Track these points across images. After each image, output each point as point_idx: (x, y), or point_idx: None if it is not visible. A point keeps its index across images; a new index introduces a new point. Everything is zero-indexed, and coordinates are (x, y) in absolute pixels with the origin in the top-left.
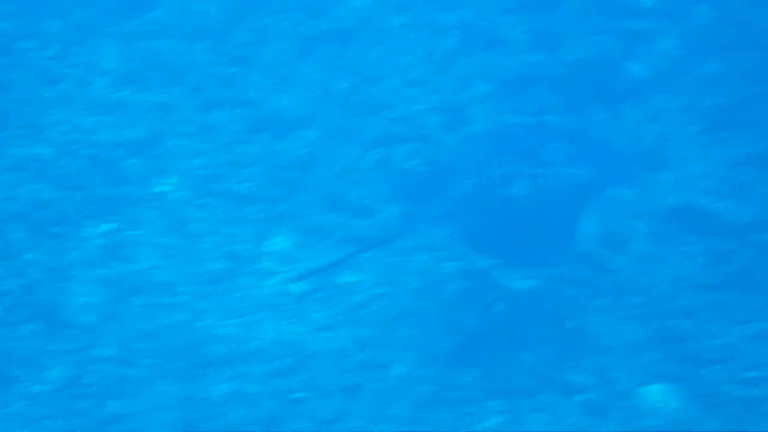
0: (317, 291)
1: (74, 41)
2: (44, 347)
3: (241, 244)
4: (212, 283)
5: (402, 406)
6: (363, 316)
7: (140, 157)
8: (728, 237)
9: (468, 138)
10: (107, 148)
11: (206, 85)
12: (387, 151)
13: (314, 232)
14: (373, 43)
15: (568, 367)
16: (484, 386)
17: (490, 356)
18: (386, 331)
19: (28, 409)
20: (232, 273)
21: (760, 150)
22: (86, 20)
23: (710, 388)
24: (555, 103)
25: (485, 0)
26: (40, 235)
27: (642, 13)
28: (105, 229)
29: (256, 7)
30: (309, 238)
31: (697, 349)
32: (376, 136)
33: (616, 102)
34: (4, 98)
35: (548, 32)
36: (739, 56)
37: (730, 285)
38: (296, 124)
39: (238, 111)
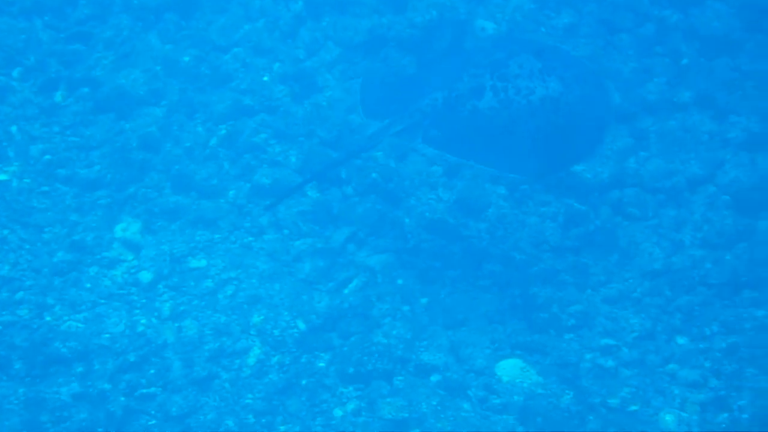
0: (167, 278)
1: None
2: None
3: (87, 232)
4: (58, 275)
5: (256, 395)
6: (215, 302)
7: None
8: (586, 195)
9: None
10: None
11: (46, 65)
12: (235, 126)
13: (162, 216)
14: (217, 11)
15: (423, 347)
16: (338, 371)
17: (343, 340)
18: (240, 317)
19: None
20: (78, 264)
21: (618, 105)
22: None
23: (567, 358)
24: (407, 64)
25: None
26: None
27: None
28: None
29: None
30: (157, 222)
31: (555, 317)
32: (224, 110)
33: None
34: None
35: None
36: (590, 6)
37: (588, 245)
38: (142, 101)
39: (82, 91)
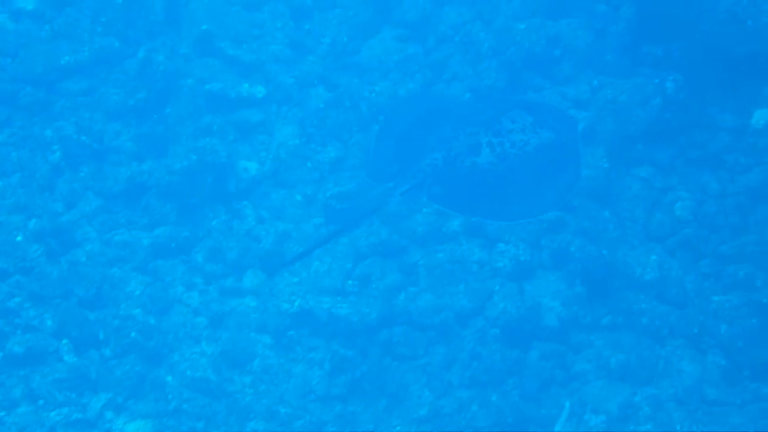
0: None
1: None
2: None
3: None
4: None
5: None
6: None
7: None
8: (353, 338)
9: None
10: None
11: None
12: None
13: None
14: None
15: None
16: None
17: None
18: None
19: None
20: None
21: (383, 239)
22: None
23: None
24: (169, 212)
25: (86, 107)
26: None
27: (255, 104)
28: None
29: None
30: None
31: None
32: None
33: (234, 203)
34: None
35: (155, 138)
36: (355, 138)
37: (356, 392)
38: None
39: None
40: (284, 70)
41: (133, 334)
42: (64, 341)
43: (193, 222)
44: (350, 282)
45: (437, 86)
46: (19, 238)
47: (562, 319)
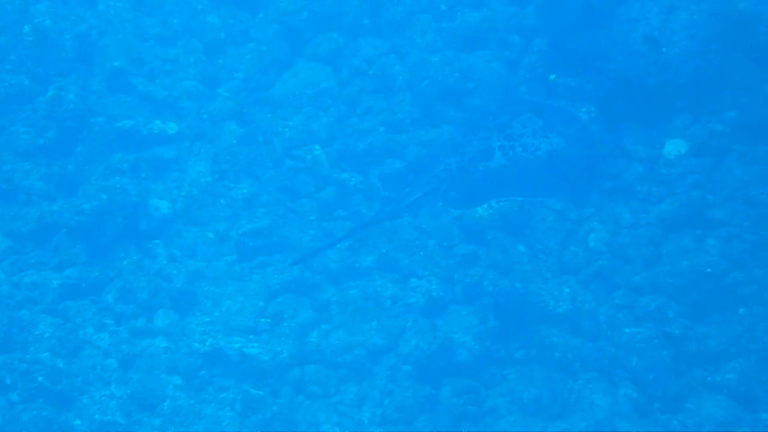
0: None
1: None
2: None
3: None
4: None
5: None
6: None
7: None
8: (265, 378)
9: None
10: None
11: None
12: None
13: None
14: None
15: None
16: None
17: None
18: None
19: None
20: None
21: (295, 276)
22: None
23: None
24: (79, 252)
25: None
26: None
27: (167, 141)
28: None
29: None
30: None
31: None
32: None
33: (145, 242)
34: None
35: (65, 177)
36: (269, 173)
37: None
38: None
39: None
40: (197, 106)
41: (40, 378)
42: None
43: (104, 262)
44: (262, 320)
45: (351, 120)
46: None
47: (474, 354)
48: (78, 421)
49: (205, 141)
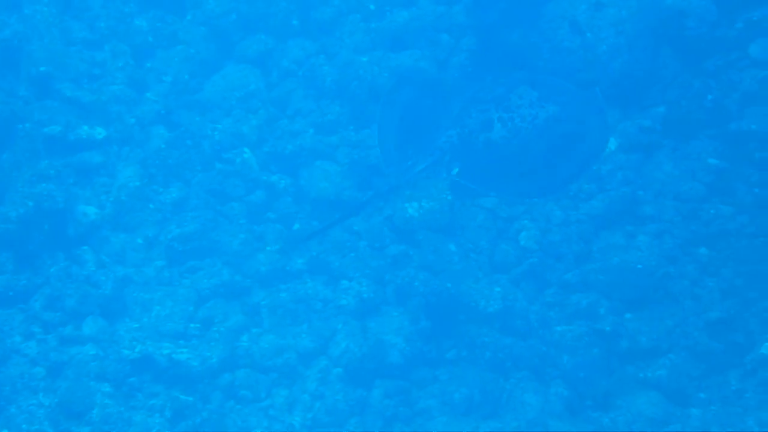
0: None
1: None
2: None
3: None
4: None
5: None
6: None
7: None
8: (194, 384)
9: None
10: None
11: None
12: None
13: None
14: None
15: None
16: None
17: None
18: None
19: None
20: None
21: (225, 280)
22: None
23: None
24: (5, 261)
25: None
26: None
27: (95, 146)
28: None
29: None
30: None
31: None
32: None
33: (73, 249)
34: None
35: None
36: (198, 177)
37: None
38: None
39: None
40: (125, 110)
41: None
42: None
43: (32, 269)
44: (192, 325)
45: (280, 122)
46: None
47: (405, 355)
48: (5, 431)
49: (134, 145)
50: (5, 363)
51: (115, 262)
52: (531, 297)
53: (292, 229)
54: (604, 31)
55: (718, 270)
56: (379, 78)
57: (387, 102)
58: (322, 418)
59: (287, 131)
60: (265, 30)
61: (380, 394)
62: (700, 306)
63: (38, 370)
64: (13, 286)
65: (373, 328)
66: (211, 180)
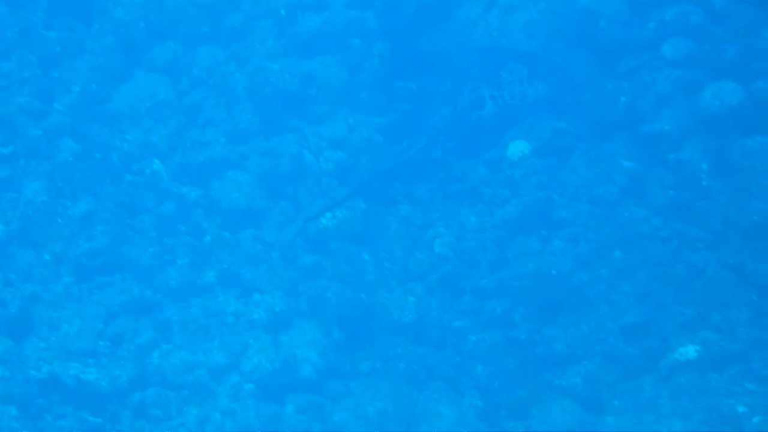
0: None
1: None
2: None
3: None
4: None
5: None
6: None
7: None
8: (103, 405)
9: None
10: None
11: None
12: None
13: None
14: None
15: None
16: None
17: None
18: None
19: None
20: None
21: (135, 296)
22: None
23: None
24: None
25: None
26: None
27: (2, 160)
28: None
29: None
30: None
31: None
32: None
33: None
34: None
35: None
36: (107, 190)
37: None
38: None
39: None
40: (32, 123)
41: None
42: None
43: None
44: (101, 343)
45: (191, 131)
46: None
47: (318, 369)
48: None
49: (41, 159)
50: None
51: (22, 279)
52: (446, 305)
53: (203, 242)
54: (516, 35)
55: (633, 274)
56: (290, 85)
57: None
58: None
59: (198, 141)
60: (175, 38)
61: (293, 410)
62: (616, 311)
63: None
64: None
65: (286, 341)
66: (120, 192)
